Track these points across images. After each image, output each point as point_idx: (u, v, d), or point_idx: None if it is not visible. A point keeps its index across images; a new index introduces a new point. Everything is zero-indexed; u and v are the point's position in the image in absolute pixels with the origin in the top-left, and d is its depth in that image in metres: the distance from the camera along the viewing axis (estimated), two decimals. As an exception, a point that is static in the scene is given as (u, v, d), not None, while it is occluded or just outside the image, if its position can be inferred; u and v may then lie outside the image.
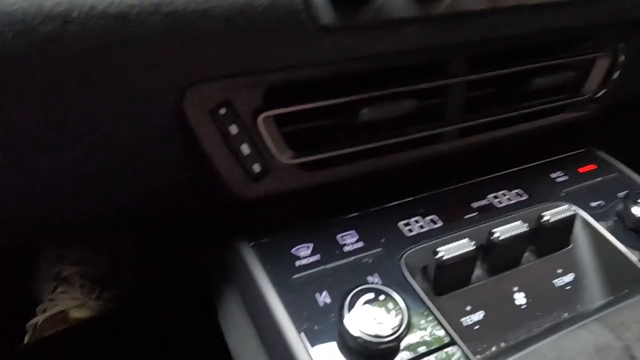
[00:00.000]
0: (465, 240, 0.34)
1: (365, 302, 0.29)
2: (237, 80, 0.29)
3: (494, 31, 0.35)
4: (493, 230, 0.36)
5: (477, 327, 0.34)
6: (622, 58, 0.44)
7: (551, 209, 0.39)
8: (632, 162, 0.49)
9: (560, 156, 0.47)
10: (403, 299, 0.29)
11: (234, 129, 0.31)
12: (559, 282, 0.38)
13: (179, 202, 0.39)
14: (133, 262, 0.88)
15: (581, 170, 0.46)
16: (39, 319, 0.73)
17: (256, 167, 0.33)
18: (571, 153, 0.48)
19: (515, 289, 0.37)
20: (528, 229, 0.36)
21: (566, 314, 0.36)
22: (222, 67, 0.28)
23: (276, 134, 0.33)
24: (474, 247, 0.34)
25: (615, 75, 0.45)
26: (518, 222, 0.36)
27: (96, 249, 0.85)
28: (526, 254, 0.39)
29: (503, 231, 0.36)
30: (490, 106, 0.42)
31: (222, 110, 0.30)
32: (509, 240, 0.36)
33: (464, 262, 0.34)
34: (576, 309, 0.37)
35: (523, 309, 0.36)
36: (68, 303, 0.77)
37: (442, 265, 0.33)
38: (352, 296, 0.29)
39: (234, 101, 0.31)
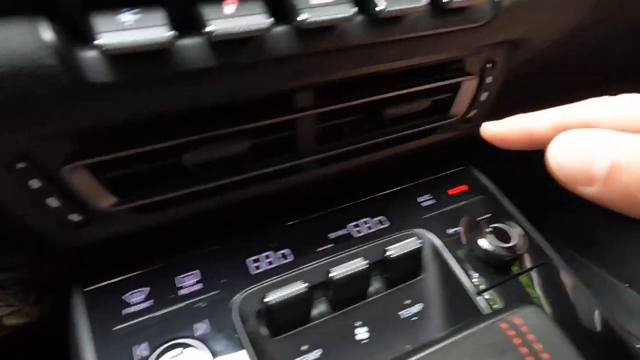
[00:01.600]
0: (299, 282, 0.34)
1: (173, 358, 0.29)
2: (30, 133, 0.28)
3: (321, 71, 0.33)
4: (329, 270, 0.36)
5: (312, 366, 0.35)
6: (489, 79, 0.44)
7: (403, 239, 0.39)
8: (509, 176, 0.49)
9: (434, 177, 0.47)
10: (215, 350, 0.29)
11: (35, 183, 0.30)
12: (406, 313, 0.39)
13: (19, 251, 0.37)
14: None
15: (450, 192, 0.46)
16: (-28, 329, 0.72)
17: (74, 217, 0.32)
18: (447, 172, 0.48)
19: (358, 323, 0.37)
20: (367, 265, 0.36)
21: (409, 346, 0.37)
22: (1, 126, 0.26)
23: (93, 182, 0.31)
24: (306, 289, 0.34)
25: (484, 96, 0.44)
26: (358, 259, 0.36)
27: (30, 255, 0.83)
28: (379, 285, 0.40)
29: (340, 270, 0.36)
30: (349, 133, 0.41)
31: (21, 164, 0.29)
32: (347, 279, 0.36)
33: (296, 303, 0.34)
34: (419, 341, 0.37)
35: (364, 343, 0.37)
36: (2, 310, 0.76)
37: (271, 309, 0.33)
38: (159, 354, 0.29)
39: (34, 154, 0.29)
